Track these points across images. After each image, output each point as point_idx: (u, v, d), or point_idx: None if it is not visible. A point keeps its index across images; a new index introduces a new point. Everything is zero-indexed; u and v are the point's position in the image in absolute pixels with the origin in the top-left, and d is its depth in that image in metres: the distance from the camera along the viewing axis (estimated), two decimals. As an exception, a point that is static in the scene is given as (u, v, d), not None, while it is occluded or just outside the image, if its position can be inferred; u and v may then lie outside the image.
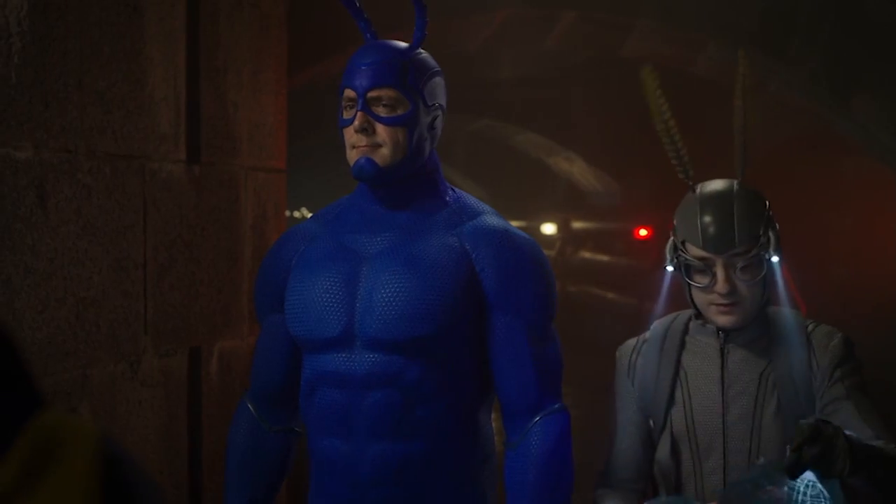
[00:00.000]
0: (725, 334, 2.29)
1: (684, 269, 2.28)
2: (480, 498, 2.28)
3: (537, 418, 2.21)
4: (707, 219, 2.25)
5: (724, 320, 2.25)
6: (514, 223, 2.34)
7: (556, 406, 2.23)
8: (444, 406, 2.19)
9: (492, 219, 2.27)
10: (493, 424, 2.35)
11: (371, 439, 2.18)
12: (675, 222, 2.33)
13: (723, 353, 2.29)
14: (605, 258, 13.26)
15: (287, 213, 4.27)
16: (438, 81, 2.26)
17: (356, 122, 2.17)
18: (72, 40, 2.89)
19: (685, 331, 2.34)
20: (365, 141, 2.17)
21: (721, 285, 2.23)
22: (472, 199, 2.32)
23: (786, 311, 2.33)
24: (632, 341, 2.41)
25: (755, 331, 2.29)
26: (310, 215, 2.52)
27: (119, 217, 3.09)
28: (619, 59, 7.45)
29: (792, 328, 2.29)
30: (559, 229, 14.33)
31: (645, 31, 6.56)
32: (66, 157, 2.87)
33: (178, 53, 3.41)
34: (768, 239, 2.26)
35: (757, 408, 2.25)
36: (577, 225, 14.02)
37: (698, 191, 2.33)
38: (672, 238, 2.33)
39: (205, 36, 3.55)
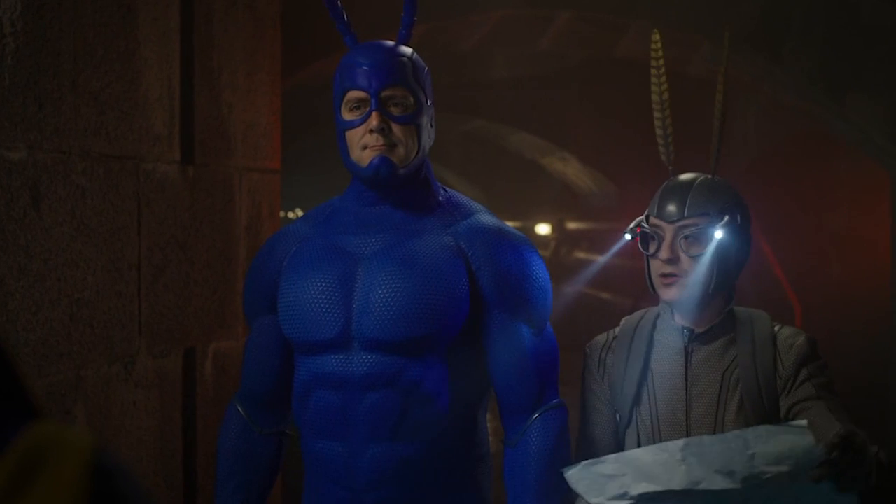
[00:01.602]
0: (690, 333, 2.31)
1: (641, 239, 2.34)
2: (478, 498, 2.28)
3: (536, 415, 2.21)
4: (668, 192, 2.34)
5: (667, 293, 2.28)
6: (509, 223, 2.34)
7: (555, 402, 2.24)
8: (441, 406, 2.18)
9: (486, 217, 2.27)
10: (489, 424, 2.35)
11: (368, 441, 2.17)
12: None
13: (687, 352, 2.31)
14: (599, 258, 13.26)
15: (282, 213, 4.27)
16: (430, 78, 2.27)
17: (374, 123, 2.14)
18: (66, 41, 2.88)
19: (653, 328, 2.36)
20: (382, 141, 2.15)
21: (665, 251, 2.28)
22: (464, 199, 2.32)
23: (753, 312, 2.35)
24: (601, 337, 2.42)
25: (719, 330, 2.31)
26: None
27: (113, 218, 3.09)
28: (614, 59, 7.45)
29: (758, 329, 2.31)
30: (553, 229, 14.33)
31: (640, 32, 6.56)
32: (59, 158, 2.86)
33: (173, 54, 3.40)
34: (723, 220, 2.28)
35: (720, 406, 2.27)
36: (572, 225, 14.02)
37: (673, 178, 2.40)
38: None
39: (199, 37, 3.54)
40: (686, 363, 2.30)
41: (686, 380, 2.29)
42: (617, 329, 2.41)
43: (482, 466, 2.29)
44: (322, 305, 2.18)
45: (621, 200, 12.18)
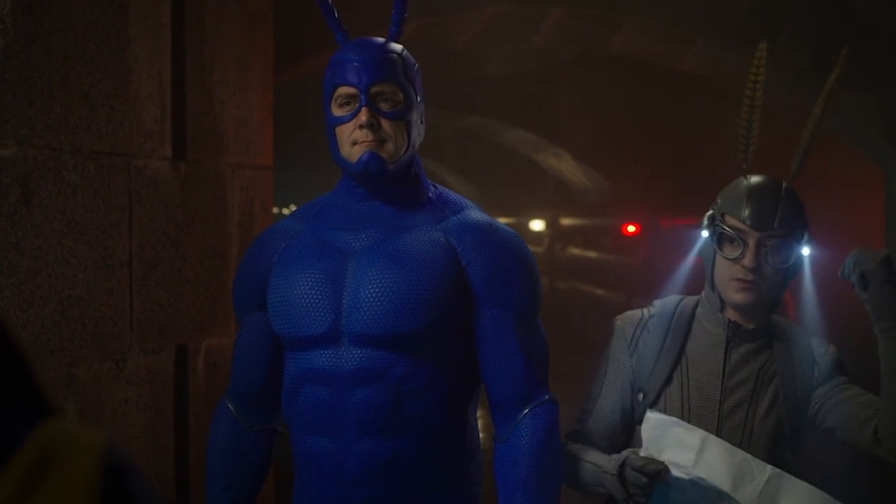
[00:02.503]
0: (736, 328, 2.38)
1: (717, 238, 2.37)
2: (468, 494, 2.28)
3: (526, 410, 2.21)
4: (754, 197, 2.36)
5: (740, 297, 2.35)
6: (503, 220, 2.34)
7: (546, 397, 2.24)
8: (432, 402, 2.18)
9: (476, 213, 2.27)
10: (480, 420, 2.35)
11: (358, 437, 2.17)
12: (718, 199, 2.43)
13: (728, 344, 2.38)
14: (593, 255, 13.27)
15: (276, 209, 4.26)
16: (420, 75, 2.27)
17: (363, 118, 2.15)
18: (56, 37, 2.87)
19: (692, 316, 2.43)
20: (372, 137, 2.15)
21: (749, 259, 2.33)
22: (453, 195, 2.33)
23: (784, 320, 2.47)
24: (636, 313, 2.47)
25: (759, 330, 2.40)
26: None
27: (104, 215, 3.08)
28: (607, 55, 7.45)
29: (794, 333, 2.43)
30: (548, 226, 14.33)
31: (633, 28, 6.56)
32: (50, 155, 2.86)
33: (164, 50, 3.39)
34: (804, 235, 2.39)
35: (753, 400, 2.36)
36: (566, 221, 14.02)
37: (749, 178, 2.44)
38: (711, 210, 2.42)
39: (190, 33, 3.53)
40: (726, 355, 2.38)
41: (724, 370, 2.37)
42: (652, 308, 2.47)
43: (473, 462, 2.29)
44: (312, 301, 2.18)
45: (615, 196, 12.18)
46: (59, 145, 2.88)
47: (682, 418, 2.33)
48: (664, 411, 2.35)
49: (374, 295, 2.15)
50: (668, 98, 9.68)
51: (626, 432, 2.43)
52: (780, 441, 2.36)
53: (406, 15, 2.28)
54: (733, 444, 2.28)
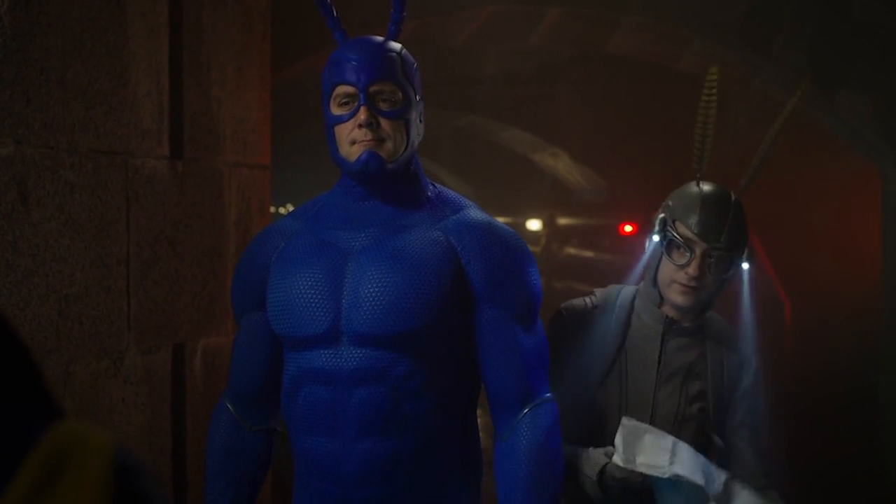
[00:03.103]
0: (670, 322, 2.55)
1: (667, 243, 2.52)
2: (468, 493, 2.27)
3: (526, 410, 2.21)
4: (705, 208, 2.51)
5: (681, 299, 2.52)
6: (500, 219, 2.34)
7: (545, 396, 2.24)
8: (431, 401, 2.18)
9: (475, 212, 2.27)
10: (480, 419, 2.35)
11: (358, 437, 2.16)
12: (670, 202, 2.58)
13: (663, 338, 2.55)
14: (590, 254, 13.27)
15: (273, 209, 4.26)
16: (419, 74, 2.27)
17: (362, 117, 2.14)
18: (54, 35, 2.87)
19: (631, 309, 2.59)
20: (371, 136, 2.15)
21: (693, 268, 2.49)
22: (452, 194, 2.32)
23: (719, 318, 2.63)
24: (579, 301, 2.61)
25: (694, 327, 2.58)
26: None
27: (102, 213, 3.08)
28: (604, 55, 7.45)
29: (730, 335, 2.63)
30: (544, 225, 14.33)
31: (630, 28, 6.56)
32: (47, 154, 2.85)
33: (161, 49, 3.39)
34: (745, 250, 2.54)
35: (682, 392, 2.54)
36: (563, 221, 14.02)
37: (702, 186, 2.57)
38: (662, 214, 2.56)
39: (188, 31, 3.53)
40: (662, 347, 2.55)
41: (659, 361, 2.54)
42: (594, 297, 2.60)
43: (473, 461, 2.29)
44: (311, 301, 2.18)
45: (612, 196, 12.19)
46: (56, 144, 2.88)
47: (620, 405, 2.50)
48: (603, 399, 2.50)
49: (373, 294, 2.14)
50: (666, 98, 9.69)
51: (577, 416, 2.51)
52: (707, 428, 2.55)
53: (405, 14, 2.28)
54: (665, 430, 2.45)
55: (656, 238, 2.54)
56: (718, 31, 6.45)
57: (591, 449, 2.45)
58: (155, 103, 3.35)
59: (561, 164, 12.67)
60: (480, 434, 2.35)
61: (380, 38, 2.24)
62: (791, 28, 6.41)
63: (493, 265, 2.20)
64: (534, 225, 14.46)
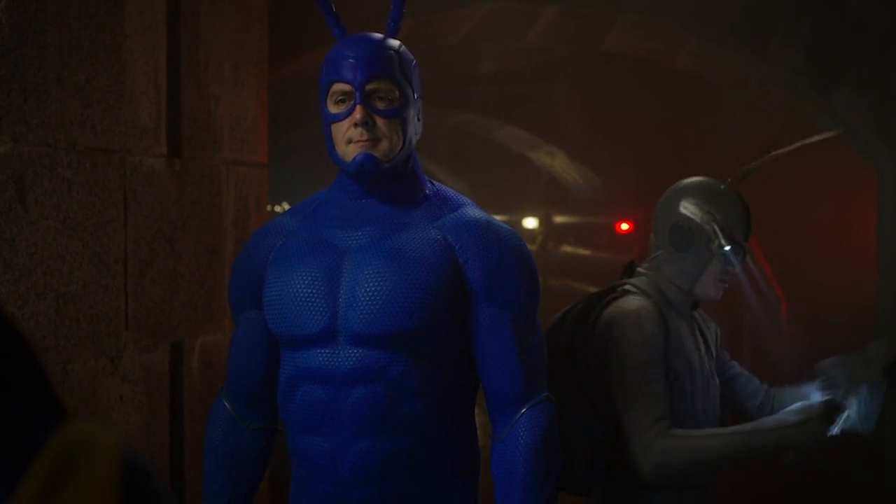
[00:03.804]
0: (695, 304, 2.79)
1: (733, 254, 2.71)
2: (466, 493, 2.27)
3: (524, 409, 2.20)
4: (747, 215, 2.76)
5: (719, 294, 2.76)
6: (496, 217, 2.33)
7: (543, 396, 2.23)
8: (429, 401, 2.17)
9: (473, 210, 2.26)
10: (477, 418, 2.35)
11: (355, 436, 2.16)
12: (714, 211, 2.72)
13: (695, 319, 2.79)
14: (586, 252, 13.28)
15: (269, 207, 4.26)
16: (418, 72, 2.26)
17: (358, 116, 2.13)
18: (51, 33, 2.87)
19: (669, 303, 2.74)
20: (366, 135, 2.13)
21: (739, 271, 2.75)
22: (451, 192, 2.31)
23: None
24: (647, 309, 2.68)
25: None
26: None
27: (99, 211, 3.08)
28: (601, 53, 7.45)
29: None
30: (541, 223, 14.33)
31: (627, 26, 6.56)
32: (45, 151, 2.85)
33: (159, 47, 3.39)
34: None
35: (710, 364, 2.77)
36: (559, 219, 14.02)
37: (733, 191, 2.77)
38: (713, 224, 2.71)
39: (186, 29, 3.53)
40: (697, 328, 2.78)
41: (695, 339, 2.75)
42: (646, 301, 2.69)
43: (470, 461, 2.28)
44: (308, 300, 2.17)
45: (608, 194, 12.19)
46: (54, 141, 2.88)
47: (695, 390, 2.68)
48: (685, 387, 2.66)
49: (370, 294, 2.13)
50: (662, 96, 9.69)
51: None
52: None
53: (404, 11, 2.26)
54: (714, 397, 2.74)
55: (727, 248, 2.70)
56: (715, 29, 6.45)
57: (771, 417, 2.65)
58: (152, 101, 3.35)
59: (557, 163, 12.68)
60: (479, 432, 2.35)
61: (378, 36, 2.23)
62: (788, 27, 6.42)
63: (491, 264, 2.19)
64: (530, 223, 14.46)
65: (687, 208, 2.72)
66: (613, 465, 2.62)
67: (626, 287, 2.74)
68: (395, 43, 2.21)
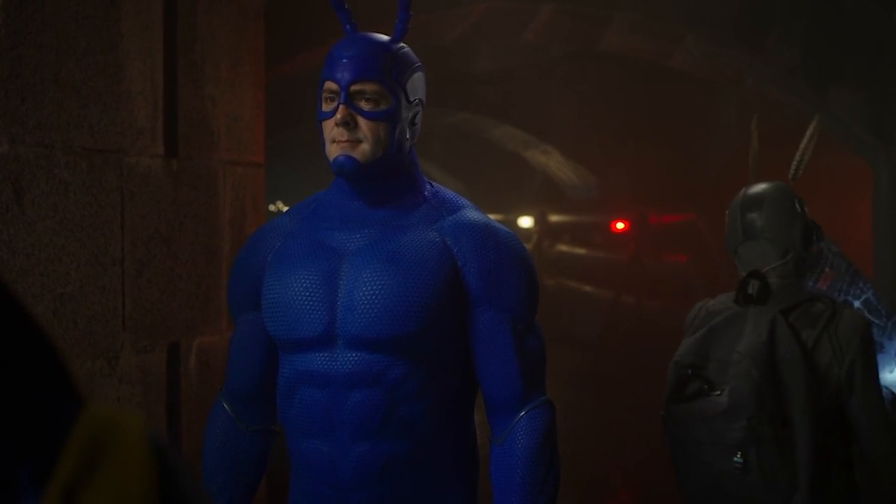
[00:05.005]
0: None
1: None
2: (465, 496, 2.26)
3: (523, 412, 2.19)
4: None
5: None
6: (492, 216, 2.32)
7: (542, 399, 2.22)
8: (427, 404, 2.16)
9: (472, 213, 2.24)
10: (476, 420, 2.34)
11: (354, 440, 2.15)
12: (810, 218, 2.94)
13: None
14: (581, 251, 13.29)
15: (269, 207, 4.25)
16: (420, 76, 2.23)
17: (338, 116, 2.11)
18: (48, 34, 2.86)
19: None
20: (346, 136, 2.12)
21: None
22: (450, 194, 2.29)
23: None
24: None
25: None
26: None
27: (96, 212, 3.07)
28: (597, 52, 7.46)
29: None
30: (536, 222, 14.34)
31: (623, 25, 6.56)
32: (42, 152, 2.85)
33: (156, 47, 3.38)
34: None
35: None
36: (554, 218, 14.03)
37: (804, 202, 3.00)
38: (814, 230, 2.95)
39: (182, 29, 3.52)
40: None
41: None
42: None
43: (469, 464, 2.28)
44: (306, 303, 2.16)
45: (603, 193, 12.20)
46: (50, 142, 2.87)
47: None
48: None
49: (368, 297, 2.12)
50: (658, 95, 9.69)
51: None
52: None
53: (411, 14, 2.25)
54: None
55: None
56: (711, 28, 6.46)
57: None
58: (149, 101, 3.34)
59: (552, 162, 12.68)
60: (477, 434, 2.34)
61: (378, 37, 2.21)
62: (784, 26, 6.43)
63: (490, 267, 2.17)
64: (525, 222, 14.47)
65: (803, 209, 2.91)
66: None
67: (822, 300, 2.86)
68: (394, 45, 2.19)
